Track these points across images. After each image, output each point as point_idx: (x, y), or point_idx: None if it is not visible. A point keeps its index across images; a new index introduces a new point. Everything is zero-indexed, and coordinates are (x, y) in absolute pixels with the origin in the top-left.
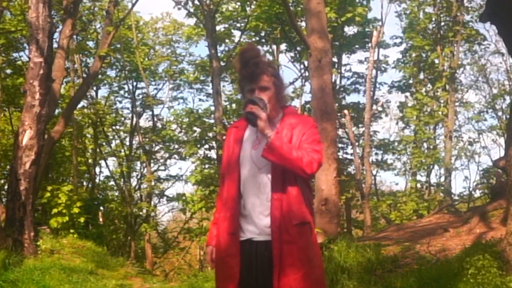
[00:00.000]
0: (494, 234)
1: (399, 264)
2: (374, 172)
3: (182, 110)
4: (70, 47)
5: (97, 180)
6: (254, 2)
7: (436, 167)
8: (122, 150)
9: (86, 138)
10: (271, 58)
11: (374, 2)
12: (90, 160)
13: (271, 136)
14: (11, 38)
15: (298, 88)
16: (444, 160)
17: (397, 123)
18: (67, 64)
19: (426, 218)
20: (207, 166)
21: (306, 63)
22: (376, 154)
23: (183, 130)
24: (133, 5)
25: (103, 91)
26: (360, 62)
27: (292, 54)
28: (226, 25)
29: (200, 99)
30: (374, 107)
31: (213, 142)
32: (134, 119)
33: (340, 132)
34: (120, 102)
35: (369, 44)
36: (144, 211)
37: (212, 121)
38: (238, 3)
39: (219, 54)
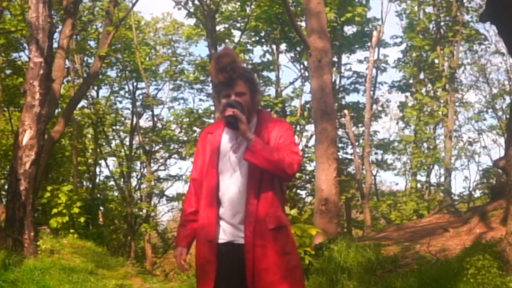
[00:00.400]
0: (494, 234)
1: (399, 264)
2: (374, 172)
3: (182, 110)
4: (70, 47)
5: (97, 180)
6: (254, 2)
7: (436, 167)
8: (122, 150)
9: (86, 138)
10: (271, 58)
11: (374, 1)
12: (90, 160)
13: (253, 139)
14: (11, 38)
15: (298, 88)
16: (444, 160)
17: (397, 123)
18: (67, 63)
19: (426, 218)
20: None
21: (306, 63)
22: (376, 154)
23: (183, 131)
24: (133, 5)
25: (103, 91)
26: (360, 62)
27: (292, 54)
28: (226, 25)
29: (200, 99)
30: (374, 107)
31: None
32: (134, 119)
33: (340, 132)
34: (121, 102)
35: (369, 44)
36: (144, 211)
37: (212, 121)
38: (238, 3)
39: None
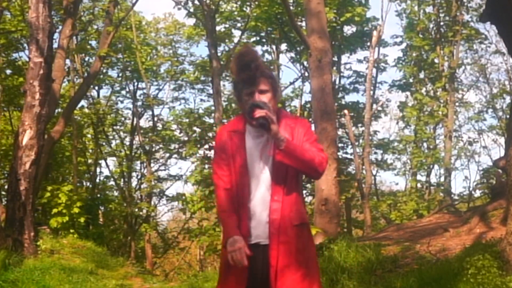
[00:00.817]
0: (494, 234)
1: (399, 264)
2: (374, 172)
3: (181, 110)
4: (70, 47)
5: (97, 180)
6: (254, 2)
7: (436, 167)
8: (122, 150)
9: (86, 138)
10: (270, 58)
11: (374, 0)
12: (90, 160)
13: (284, 139)
14: (11, 38)
15: (298, 88)
16: (444, 160)
17: (397, 123)
18: (68, 63)
19: (426, 218)
20: (207, 166)
21: (306, 63)
22: (376, 153)
23: (183, 131)
24: (133, 5)
25: (104, 91)
26: (360, 61)
27: (292, 54)
28: (227, 25)
29: (201, 99)
30: (374, 106)
31: (213, 142)
32: (135, 119)
33: (340, 132)
34: (122, 102)
35: (369, 44)
36: (144, 211)
37: (212, 120)
38: (238, 3)
39: (219, 54)
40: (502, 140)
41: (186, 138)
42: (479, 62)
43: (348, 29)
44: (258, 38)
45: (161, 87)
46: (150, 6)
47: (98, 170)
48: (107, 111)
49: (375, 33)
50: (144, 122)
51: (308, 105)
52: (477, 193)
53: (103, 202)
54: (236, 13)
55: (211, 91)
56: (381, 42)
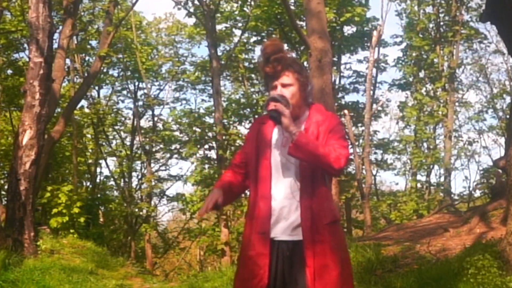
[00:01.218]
0: (494, 234)
1: (399, 264)
2: (374, 172)
3: (181, 110)
4: (70, 47)
5: (97, 180)
6: (254, 2)
7: (436, 167)
8: (123, 150)
9: (86, 138)
10: None
11: (374, 0)
12: (90, 160)
13: (296, 133)
14: (11, 38)
15: None
16: (444, 160)
17: (397, 123)
18: (68, 63)
19: (426, 218)
20: (207, 166)
21: (306, 63)
22: (376, 153)
23: (183, 132)
24: (133, 5)
25: (104, 91)
26: (360, 61)
27: (292, 54)
28: (227, 25)
29: (202, 100)
30: (374, 106)
31: (213, 142)
32: (135, 119)
33: None
34: (122, 101)
35: (369, 44)
36: (144, 211)
37: (212, 120)
38: (238, 3)
39: (219, 54)
40: (502, 140)
41: (186, 138)
42: (479, 62)
43: (348, 29)
44: (258, 38)
45: (162, 87)
46: (150, 6)
47: (98, 170)
48: (107, 111)
49: (375, 33)
50: (145, 122)
51: None
52: (477, 193)
53: (103, 202)
54: (236, 13)
55: (211, 92)
56: (381, 42)
